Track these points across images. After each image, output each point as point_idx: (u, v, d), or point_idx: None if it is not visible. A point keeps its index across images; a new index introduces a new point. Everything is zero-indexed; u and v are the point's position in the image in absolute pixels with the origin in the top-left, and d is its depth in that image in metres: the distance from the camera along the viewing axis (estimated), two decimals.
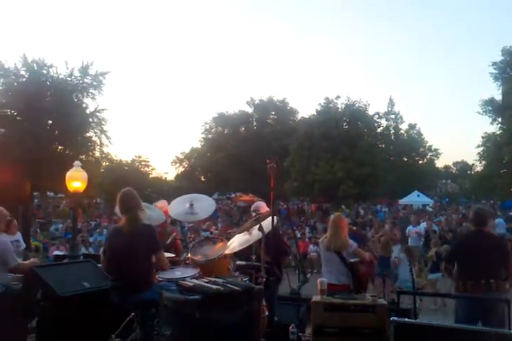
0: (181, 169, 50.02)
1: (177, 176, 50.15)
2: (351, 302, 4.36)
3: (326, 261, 5.53)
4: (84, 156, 29.25)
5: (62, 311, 4.26)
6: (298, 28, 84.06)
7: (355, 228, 7.16)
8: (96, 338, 4.20)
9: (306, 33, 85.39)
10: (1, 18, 72.52)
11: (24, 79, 30.03)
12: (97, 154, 32.57)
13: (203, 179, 47.91)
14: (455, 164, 68.13)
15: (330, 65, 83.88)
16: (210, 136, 47.22)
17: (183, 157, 50.21)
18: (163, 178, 42.91)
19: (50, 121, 30.16)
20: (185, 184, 42.83)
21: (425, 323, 3.73)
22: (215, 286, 3.32)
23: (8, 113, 30.25)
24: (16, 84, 29.81)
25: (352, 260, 5.36)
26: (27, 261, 5.83)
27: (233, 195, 45.20)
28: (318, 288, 4.52)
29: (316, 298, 4.45)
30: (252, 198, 41.43)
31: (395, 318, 3.67)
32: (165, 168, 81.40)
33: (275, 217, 4.37)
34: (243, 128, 46.12)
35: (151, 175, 40.36)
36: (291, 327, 4.64)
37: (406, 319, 3.85)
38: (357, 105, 35.48)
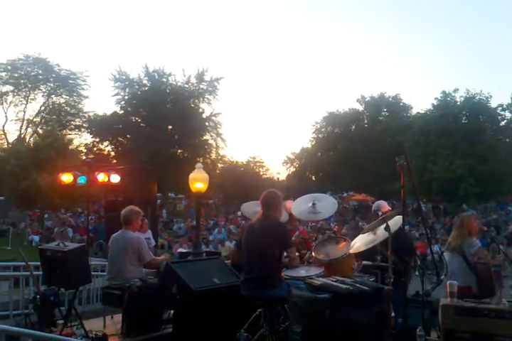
0: (292, 169, 50.46)
1: (288, 176, 50.66)
2: (485, 307, 4.12)
3: (450, 263, 5.34)
4: (201, 159, 30.84)
5: (195, 305, 4.52)
6: (409, 22, 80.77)
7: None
8: (226, 332, 4.38)
9: (417, 26, 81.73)
10: (125, 33, 78.49)
11: (146, 88, 32.42)
12: (213, 156, 34.22)
13: (313, 178, 47.91)
14: None
15: (446, 57, 79.47)
16: (320, 135, 47.09)
17: (293, 157, 50.60)
18: (276, 179, 43.61)
19: (170, 127, 32.23)
20: (296, 184, 43.12)
21: None
22: (344, 286, 3.32)
23: (134, 120, 32.85)
24: (139, 93, 32.29)
25: (478, 261, 5.12)
26: (159, 257, 6.29)
27: (345, 194, 44.67)
28: (447, 290, 4.34)
29: (446, 300, 4.27)
30: (364, 197, 40.76)
31: None
32: (277, 169, 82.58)
33: (402, 217, 4.29)
34: (354, 127, 45.39)
35: (264, 176, 41.24)
36: (418, 330, 4.50)
37: None
38: (477, 97, 33.27)
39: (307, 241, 5.58)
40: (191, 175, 9.84)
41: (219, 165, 35.82)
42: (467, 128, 31.47)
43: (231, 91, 74.03)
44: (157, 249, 13.81)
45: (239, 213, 26.27)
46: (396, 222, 4.29)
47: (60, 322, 5.56)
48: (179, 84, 32.99)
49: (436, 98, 34.60)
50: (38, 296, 5.77)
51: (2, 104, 39.47)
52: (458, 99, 33.82)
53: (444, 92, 34.05)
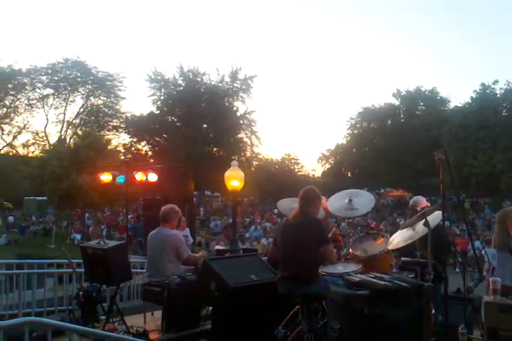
0: (327, 166, 50.13)
1: (323, 173, 50.35)
2: None
3: (499, 262, 5.15)
4: (236, 156, 31.05)
5: (234, 301, 4.54)
6: (445, 13, 78.75)
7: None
8: (264, 328, 4.39)
9: (453, 17, 79.62)
10: (159, 35, 79.52)
11: (181, 88, 32.81)
12: (248, 154, 34.39)
13: (349, 175, 47.49)
14: None
15: (485, 48, 77.16)
16: (355, 131, 46.63)
17: (328, 154, 50.27)
18: (311, 176, 43.45)
19: (205, 125, 32.57)
20: (332, 180, 42.81)
21: None
22: (382, 282, 3.28)
23: (169, 120, 33.34)
24: (174, 93, 32.72)
25: None
26: (197, 254, 6.36)
27: (382, 191, 44.07)
28: (490, 287, 4.24)
29: (488, 298, 4.16)
30: (402, 193, 40.06)
31: None
32: (312, 166, 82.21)
33: (442, 213, 4.20)
34: (390, 122, 44.75)
35: (299, 173, 41.12)
36: (460, 328, 4.41)
37: None
38: None
39: (337, 237, 5.50)
40: (227, 173, 9.81)
41: (254, 162, 35.96)
42: (508, 121, 30.68)
43: (265, 88, 73.99)
44: (194, 246, 13.97)
45: (275, 210, 26.32)
46: (435, 217, 4.21)
47: (103, 317, 5.69)
48: (213, 83, 33.28)
49: (475, 91, 33.80)
50: (81, 293, 5.92)
51: (43, 107, 40.85)
52: (498, 92, 32.96)
53: (483, 85, 33.19)
